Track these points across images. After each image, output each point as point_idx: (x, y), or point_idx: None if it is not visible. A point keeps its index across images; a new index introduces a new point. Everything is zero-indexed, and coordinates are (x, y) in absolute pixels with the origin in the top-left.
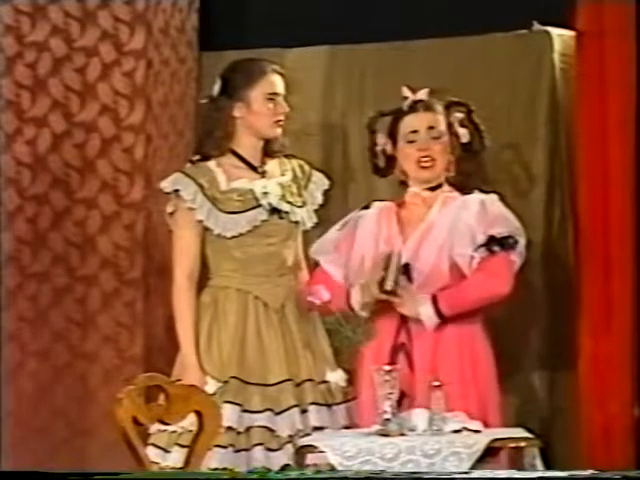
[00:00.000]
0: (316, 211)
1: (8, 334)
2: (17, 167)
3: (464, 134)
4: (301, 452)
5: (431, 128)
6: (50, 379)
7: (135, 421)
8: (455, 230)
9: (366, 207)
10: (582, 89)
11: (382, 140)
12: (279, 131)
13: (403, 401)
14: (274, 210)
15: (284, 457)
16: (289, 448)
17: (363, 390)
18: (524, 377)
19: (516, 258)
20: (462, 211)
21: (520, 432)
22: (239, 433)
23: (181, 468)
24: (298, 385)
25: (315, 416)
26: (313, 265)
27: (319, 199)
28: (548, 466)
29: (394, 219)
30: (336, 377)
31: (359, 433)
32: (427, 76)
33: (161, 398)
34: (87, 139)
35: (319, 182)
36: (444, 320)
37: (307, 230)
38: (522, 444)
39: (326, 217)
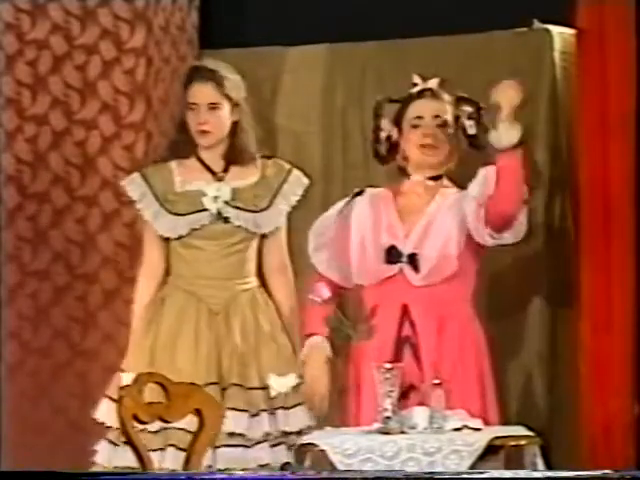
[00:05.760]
0: (291, 212)
1: (8, 332)
2: (17, 165)
3: (471, 126)
4: (301, 450)
5: (437, 117)
6: (50, 377)
7: (136, 419)
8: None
9: (359, 193)
10: (582, 87)
11: (387, 126)
12: (205, 141)
13: (410, 395)
14: (220, 214)
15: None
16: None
17: (364, 387)
18: (525, 375)
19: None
20: (463, 199)
21: (521, 430)
22: (155, 432)
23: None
24: (224, 389)
25: (231, 422)
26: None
27: (294, 200)
28: (549, 464)
29: (392, 207)
30: (280, 383)
31: (359, 431)
32: (427, 74)
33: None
34: (87, 137)
35: (296, 182)
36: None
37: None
38: (523, 442)
39: None
